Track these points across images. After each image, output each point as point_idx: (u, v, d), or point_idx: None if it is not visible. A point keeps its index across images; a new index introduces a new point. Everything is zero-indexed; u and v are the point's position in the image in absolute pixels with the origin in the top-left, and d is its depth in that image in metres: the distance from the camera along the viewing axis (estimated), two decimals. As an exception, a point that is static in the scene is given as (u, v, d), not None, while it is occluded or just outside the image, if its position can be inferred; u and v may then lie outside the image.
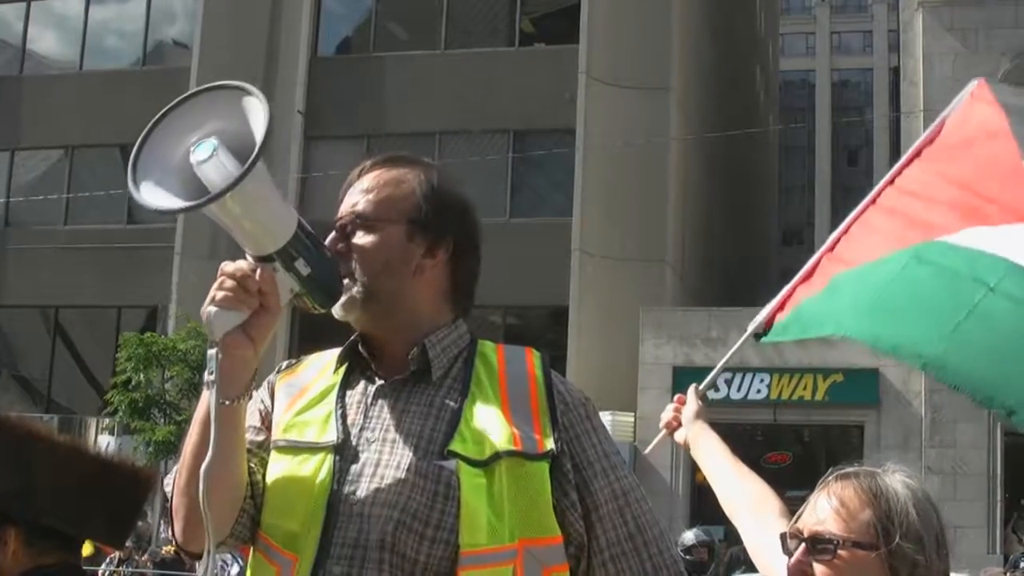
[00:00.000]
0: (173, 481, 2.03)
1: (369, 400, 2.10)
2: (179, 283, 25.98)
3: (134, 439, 22.62)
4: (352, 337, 2.18)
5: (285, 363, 2.23)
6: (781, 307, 3.67)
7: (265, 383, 2.21)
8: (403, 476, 1.99)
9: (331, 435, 2.05)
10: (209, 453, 1.85)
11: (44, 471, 2.23)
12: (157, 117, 1.95)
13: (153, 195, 1.87)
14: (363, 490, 2.00)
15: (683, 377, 22.55)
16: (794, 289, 3.70)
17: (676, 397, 3.48)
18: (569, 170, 24.83)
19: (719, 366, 3.89)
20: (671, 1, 25.72)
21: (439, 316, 2.17)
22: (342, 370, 2.16)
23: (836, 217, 72.94)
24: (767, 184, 42.67)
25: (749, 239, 36.02)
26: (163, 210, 1.87)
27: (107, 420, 24.37)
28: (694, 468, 23.07)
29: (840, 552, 1.97)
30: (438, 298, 2.19)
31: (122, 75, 28.80)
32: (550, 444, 2.06)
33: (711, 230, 29.28)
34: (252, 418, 2.14)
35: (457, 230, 2.22)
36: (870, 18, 71.48)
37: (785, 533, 2.08)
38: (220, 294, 1.89)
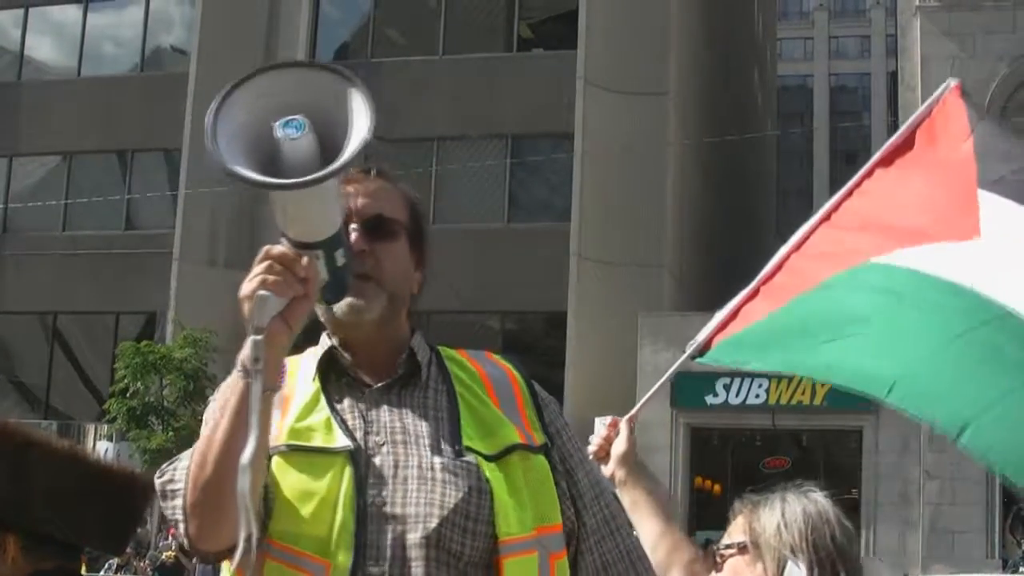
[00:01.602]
0: (185, 477, 1.96)
1: (364, 405, 2.12)
2: (177, 289, 25.98)
3: (131, 447, 22.62)
4: (326, 343, 2.19)
5: None
6: (722, 328, 3.49)
7: None
8: (431, 475, 2.04)
9: (342, 440, 2.06)
10: (251, 444, 1.79)
11: (42, 478, 2.22)
12: (239, 80, 1.91)
13: (235, 164, 1.83)
14: (390, 492, 2.02)
15: (682, 382, 22.54)
16: (738, 310, 3.50)
17: (610, 420, 3.34)
18: (567, 175, 24.84)
19: (651, 391, 3.74)
20: (669, 6, 25.74)
21: (407, 325, 2.23)
22: (319, 377, 2.16)
23: (834, 222, 73.05)
24: (765, 188, 42.68)
25: (747, 244, 36.01)
26: (250, 181, 1.82)
27: (105, 427, 24.36)
28: (692, 474, 23.11)
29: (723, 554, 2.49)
30: (407, 308, 2.24)
31: (120, 81, 28.82)
32: (542, 438, 2.18)
33: (709, 235, 29.29)
34: None
35: (427, 251, 2.26)
36: (868, 23, 71.59)
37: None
38: (271, 278, 1.84)
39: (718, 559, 2.46)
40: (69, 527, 2.26)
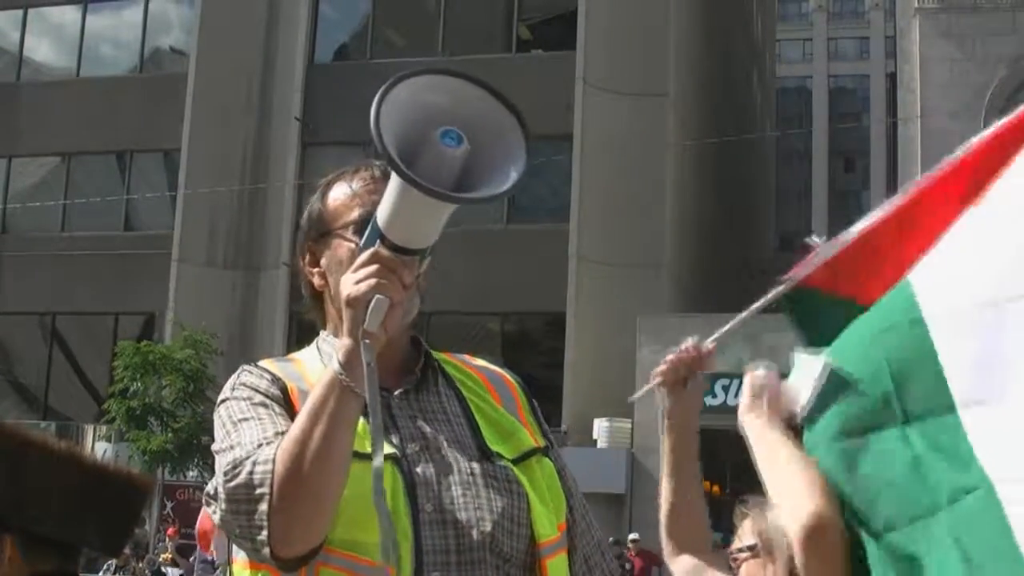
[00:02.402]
0: (271, 480, 1.86)
1: (389, 410, 2.10)
2: (176, 289, 25.98)
3: (129, 448, 22.61)
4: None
5: (258, 372, 2.13)
6: (828, 276, 2.69)
7: (273, 389, 2.10)
8: (472, 480, 2.06)
9: (386, 447, 2.02)
10: (380, 449, 1.81)
11: (40, 479, 2.22)
12: (403, 76, 1.90)
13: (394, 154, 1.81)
14: (438, 498, 2.02)
15: (680, 383, 22.52)
16: (847, 257, 2.68)
17: (691, 343, 2.69)
18: (566, 176, 24.85)
19: (741, 316, 2.89)
20: (668, 8, 25.76)
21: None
22: None
23: (832, 223, 73.16)
24: (764, 190, 42.73)
25: (746, 245, 36.04)
26: (411, 180, 1.79)
27: (104, 427, 24.35)
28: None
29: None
30: None
31: (119, 82, 28.82)
32: (542, 440, 2.21)
33: (708, 236, 29.30)
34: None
35: None
36: (867, 24, 71.65)
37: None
38: (384, 282, 1.84)
39: (732, 563, 2.46)
40: (66, 528, 2.26)
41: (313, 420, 1.85)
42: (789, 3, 71.59)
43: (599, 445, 22.50)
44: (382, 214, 1.88)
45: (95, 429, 25.90)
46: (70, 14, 29.83)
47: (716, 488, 23.61)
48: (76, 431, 26.31)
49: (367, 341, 1.83)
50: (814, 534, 2.11)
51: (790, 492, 2.24)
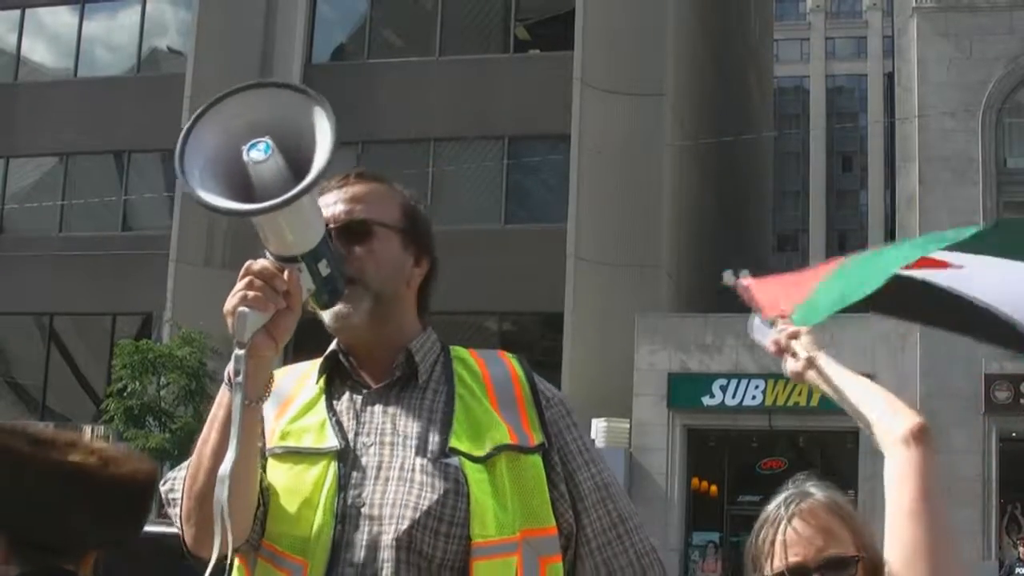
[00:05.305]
0: (182, 486, 2.02)
1: (359, 406, 2.14)
2: (174, 290, 25.96)
3: (129, 447, 22.62)
4: (331, 347, 2.21)
5: None
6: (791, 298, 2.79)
7: None
8: (411, 476, 2.04)
9: (331, 441, 2.08)
10: (231, 455, 1.83)
11: (25, 481, 2.20)
12: (205, 107, 1.95)
13: (204, 193, 1.86)
14: (369, 493, 2.03)
15: (678, 383, 22.55)
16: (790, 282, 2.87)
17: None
18: (564, 176, 24.84)
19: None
20: (665, 7, 25.76)
21: (415, 324, 2.23)
22: (322, 380, 2.19)
23: (830, 222, 73.36)
24: (761, 190, 42.71)
25: (744, 245, 36.03)
26: (218, 209, 1.85)
27: (102, 428, 24.32)
28: (689, 475, 23.12)
29: (857, 568, 2.10)
30: (414, 307, 2.25)
31: (117, 82, 28.79)
32: (540, 438, 2.15)
33: (706, 236, 29.29)
34: None
35: (431, 244, 2.28)
36: (864, 24, 71.72)
37: (781, 573, 2.10)
38: (251, 294, 1.89)
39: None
40: (56, 528, 2.24)
41: (208, 431, 1.97)
42: (787, 2, 71.62)
43: (597, 445, 22.45)
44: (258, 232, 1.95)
45: (93, 429, 25.86)
46: (67, 15, 29.82)
47: (714, 488, 23.64)
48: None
49: (239, 352, 1.88)
50: (927, 430, 2.19)
51: (892, 406, 2.27)
